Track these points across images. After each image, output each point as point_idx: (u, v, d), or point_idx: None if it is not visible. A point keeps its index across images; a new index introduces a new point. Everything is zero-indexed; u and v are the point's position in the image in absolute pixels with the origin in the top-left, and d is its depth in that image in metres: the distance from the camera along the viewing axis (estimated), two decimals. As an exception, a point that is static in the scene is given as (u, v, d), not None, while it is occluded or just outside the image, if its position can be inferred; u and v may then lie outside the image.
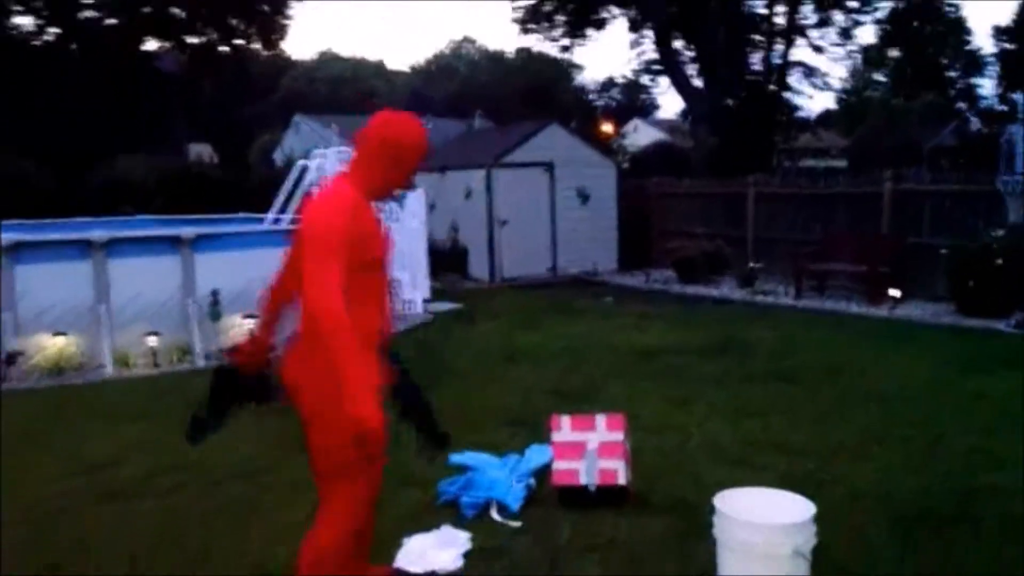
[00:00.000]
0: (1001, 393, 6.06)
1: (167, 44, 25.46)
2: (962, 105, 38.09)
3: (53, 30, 23.65)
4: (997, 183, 9.21)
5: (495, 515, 3.88)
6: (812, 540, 2.94)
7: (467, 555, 3.48)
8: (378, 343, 2.72)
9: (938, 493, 4.09)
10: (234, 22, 25.43)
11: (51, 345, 7.28)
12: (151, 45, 25.28)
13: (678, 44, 21.49)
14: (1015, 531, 3.64)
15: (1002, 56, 33.34)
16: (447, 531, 3.54)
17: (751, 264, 12.26)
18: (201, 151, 24.83)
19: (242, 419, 5.67)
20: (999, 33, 33.26)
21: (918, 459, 4.63)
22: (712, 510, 3.04)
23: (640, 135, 30.51)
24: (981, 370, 6.79)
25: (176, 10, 24.40)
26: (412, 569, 3.38)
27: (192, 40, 25.54)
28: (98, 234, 7.90)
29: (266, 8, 25.60)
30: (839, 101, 37.33)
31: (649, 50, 24.31)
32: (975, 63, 37.09)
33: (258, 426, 5.49)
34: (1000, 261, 9.08)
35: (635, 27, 24.28)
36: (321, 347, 2.43)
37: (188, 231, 8.26)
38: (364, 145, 2.70)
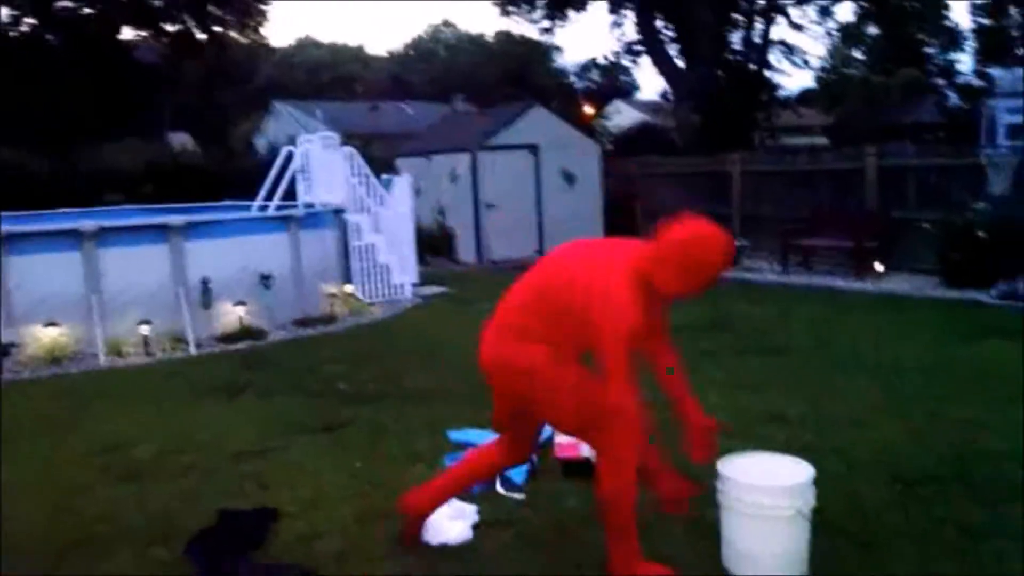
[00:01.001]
0: (990, 362, 6.19)
1: (145, 33, 25.18)
2: (941, 81, 38.30)
3: (30, 21, 23.34)
4: (980, 156, 9.33)
5: (500, 489, 3.93)
6: (812, 501, 3.03)
7: (475, 527, 3.53)
8: None
9: (933, 458, 4.19)
10: (211, 9, 25.17)
11: (44, 335, 7.25)
12: (128, 34, 25.02)
13: (658, 24, 21.48)
14: (1010, 491, 3.73)
15: (979, 31, 33.51)
16: (455, 504, 3.58)
17: (737, 241, 12.35)
18: (183, 140, 24.59)
19: (247, 403, 5.75)
20: (976, 8, 33.42)
21: (915, 427, 4.72)
22: (716, 476, 3.12)
23: (623, 116, 30.48)
24: (968, 340, 6.93)
25: (153, -2, 24.17)
26: (424, 541, 3.44)
27: (170, 28, 25.27)
28: (88, 224, 7.86)
29: (243, -6, 25.38)
30: (819, 79, 37.38)
31: (629, 31, 24.31)
32: (953, 39, 37.26)
33: (263, 409, 5.57)
34: (983, 234, 9.23)
35: (615, 7, 24.24)
36: (529, 343, 2.99)
37: (177, 219, 8.23)
38: (668, 249, 2.80)
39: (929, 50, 38.56)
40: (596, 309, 2.81)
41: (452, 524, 3.48)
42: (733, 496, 3.06)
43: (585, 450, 4.05)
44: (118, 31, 24.22)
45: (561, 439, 4.11)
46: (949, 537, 3.33)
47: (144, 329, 7.55)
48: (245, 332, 8.09)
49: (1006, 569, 3.07)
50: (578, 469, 4.04)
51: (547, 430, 4.32)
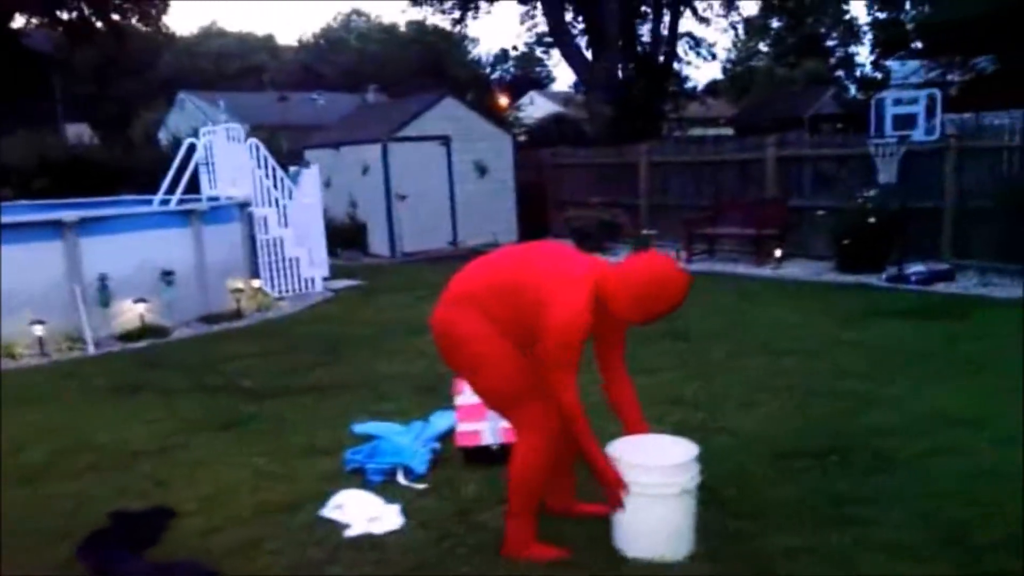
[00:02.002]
0: (876, 341, 6.53)
1: (37, 20, 24.07)
2: (840, 73, 39.83)
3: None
4: (869, 146, 9.76)
5: (401, 479, 3.97)
6: (697, 478, 3.17)
7: (373, 518, 3.56)
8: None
9: (815, 433, 4.41)
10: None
11: (-72, 338, 6.93)
12: (20, 22, 23.86)
13: (568, 16, 21.68)
14: (884, 463, 3.97)
15: (876, 24, 34.92)
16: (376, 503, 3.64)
17: (644, 231, 12.63)
18: (80, 131, 23.63)
19: (146, 403, 5.62)
20: (873, 2, 34.79)
21: (798, 405, 4.96)
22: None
23: (536, 107, 30.68)
24: (857, 321, 7.28)
25: (46, -17, 23.08)
26: (343, 522, 3.51)
27: (64, 15, 24.21)
28: (-27, 220, 7.52)
29: (143, -19, 24.51)
30: (724, 71, 38.47)
31: (541, 22, 24.45)
32: (852, 32, 38.74)
33: (164, 408, 5.46)
34: (872, 220, 9.68)
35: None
36: (467, 307, 3.09)
37: (71, 215, 7.95)
38: (630, 278, 2.94)
39: (830, 43, 40.02)
40: (551, 313, 2.94)
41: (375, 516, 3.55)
42: (641, 479, 3.14)
43: (486, 438, 4.12)
44: (10, 18, 23.09)
45: (463, 427, 4.18)
46: (821, 506, 3.52)
47: (38, 329, 7.29)
48: (146, 330, 7.89)
49: (871, 534, 3.27)
50: (478, 456, 4.11)
51: (451, 421, 4.40)
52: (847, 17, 36.15)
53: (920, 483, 3.71)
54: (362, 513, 3.58)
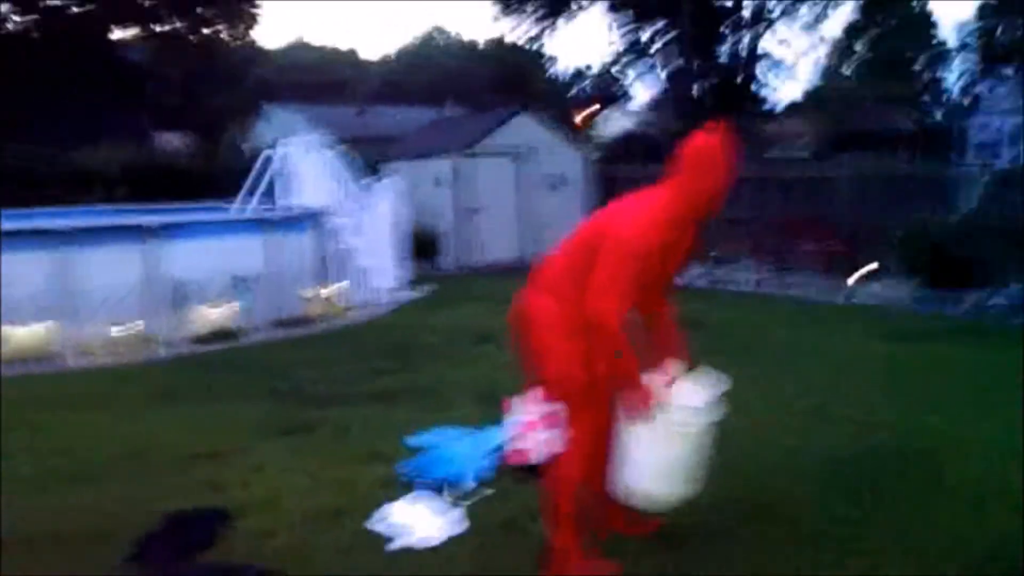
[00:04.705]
0: (951, 370, 6.26)
1: (134, 33, 25.18)
2: (926, 97, 38.61)
3: (17, 18, 23.31)
4: (951, 170, 9.46)
5: (454, 490, 3.97)
6: (715, 420, 3.10)
7: (424, 528, 3.56)
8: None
9: (862, 456, 4.25)
10: (201, 11, 25.18)
11: (14, 335, 7.25)
12: (118, 34, 25.01)
13: (647, 34, 21.66)
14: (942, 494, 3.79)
15: (964, 50, 33.84)
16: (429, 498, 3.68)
17: (711, 252, 12.43)
18: (170, 139, 24.56)
19: (213, 405, 5.77)
20: (963, 26, 33.75)
21: (853, 435, 4.78)
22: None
23: (613, 123, 30.61)
24: (927, 348, 7.01)
25: (142, -2, 24.16)
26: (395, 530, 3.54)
27: (159, 29, 25.27)
28: (62, 224, 7.87)
29: (234, -4, 25.42)
30: (805, 92, 37.70)
31: (622, 40, 24.45)
32: (939, 56, 37.58)
33: (230, 412, 5.59)
34: (953, 244, 9.33)
35: (609, 15, 24.42)
36: (548, 295, 3.04)
37: (152, 220, 8.25)
38: (678, 163, 2.94)
39: (915, 67, 38.89)
40: (613, 229, 2.92)
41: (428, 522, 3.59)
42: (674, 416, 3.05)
43: (535, 456, 4.09)
44: (107, 30, 24.22)
45: (514, 444, 4.16)
46: (876, 535, 3.39)
47: (115, 330, 7.56)
48: (219, 334, 8.11)
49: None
50: (529, 473, 4.08)
51: (504, 435, 4.39)
52: (935, 41, 35.11)
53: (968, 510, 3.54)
54: (413, 523, 3.60)
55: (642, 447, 3.07)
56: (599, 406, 3.08)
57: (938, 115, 34.03)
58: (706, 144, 2.93)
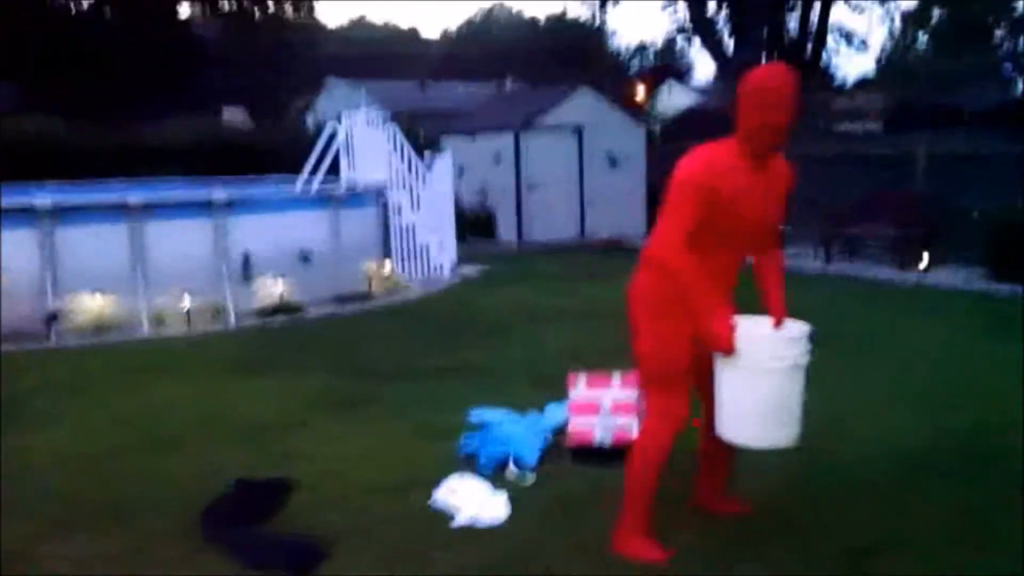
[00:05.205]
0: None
1: (202, 11, 25.63)
2: (1008, 66, 37.01)
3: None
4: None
5: (512, 468, 3.99)
6: (807, 356, 3.00)
7: (481, 506, 3.58)
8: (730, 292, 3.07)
9: (944, 449, 4.15)
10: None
11: (91, 305, 7.49)
12: (186, 12, 25.49)
13: (712, 5, 21.19)
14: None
15: (1050, 16, 32.28)
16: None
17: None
18: (236, 114, 25.01)
19: (278, 377, 5.88)
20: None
21: (930, 418, 4.67)
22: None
23: (675, 98, 30.12)
24: (1006, 334, 6.74)
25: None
26: (452, 506, 3.57)
27: (226, 5, 25.68)
28: (135, 197, 8.09)
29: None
30: (878, 63, 36.55)
31: (683, 12, 23.96)
32: (1022, 23, 35.95)
33: (294, 384, 5.70)
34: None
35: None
36: (649, 272, 3.03)
37: (220, 194, 8.41)
38: (740, 98, 2.88)
39: (997, 34, 37.29)
40: (673, 176, 2.93)
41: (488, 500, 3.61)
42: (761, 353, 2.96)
43: (597, 436, 4.08)
44: (176, 7, 24.70)
45: (575, 423, 4.15)
46: (950, 525, 3.29)
47: (186, 301, 7.75)
48: (284, 307, 8.25)
49: (1009, 557, 3.03)
50: (588, 455, 4.07)
51: (563, 414, 4.38)
52: (1016, 8, 33.55)
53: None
54: (471, 500, 3.61)
55: (729, 388, 3.02)
56: (681, 396, 3.08)
57: (1020, 86, 32.64)
58: (760, 78, 2.87)
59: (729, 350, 2.89)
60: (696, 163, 2.91)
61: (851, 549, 3.17)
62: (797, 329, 3.07)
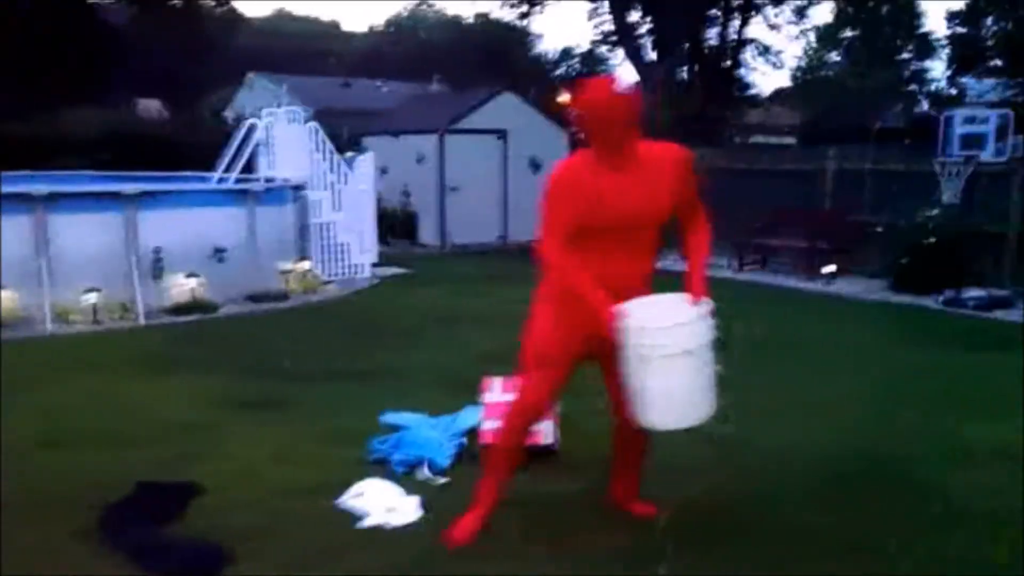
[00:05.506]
0: (921, 365, 6.34)
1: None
2: (914, 87, 38.72)
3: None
4: (934, 164, 9.50)
5: (425, 471, 3.99)
6: (705, 336, 3.06)
7: (391, 509, 3.58)
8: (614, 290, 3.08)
9: (847, 456, 4.31)
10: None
11: (-10, 299, 7.18)
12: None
13: (635, 16, 21.53)
14: (915, 492, 3.86)
15: (954, 39, 33.95)
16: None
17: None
18: (150, 106, 24.25)
19: (188, 377, 5.74)
20: (952, 17, 33.84)
21: (832, 425, 4.85)
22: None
23: (597, 106, 30.49)
24: (904, 343, 7.09)
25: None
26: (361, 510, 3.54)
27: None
28: (39, 188, 7.78)
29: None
30: (793, 79, 37.73)
31: (607, 20, 24.29)
32: (927, 45, 37.70)
33: (204, 384, 5.57)
34: (932, 240, 9.40)
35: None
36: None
37: (131, 187, 8.16)
38: (580, 113, 3.12)
39: (904, 55, 39.00)
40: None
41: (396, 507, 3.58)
42: (630, 342, 3.01)
43: (543, 438, 4.12)
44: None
45: (488, 425, 4.17)
46: (845, 533, 3.44)
47: (92, 297, 7.49)
48: (195, 305, 8.06)
49: (895, 566, 3.18)
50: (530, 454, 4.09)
51: (476, 417, 4.40)
52: (921, 31, 35.19)
53: (952, 516, 3.60)
54: (381, 503, 3.60)
55: (627, 375, 3.08)
56: (542, 382, 3.25)
57: (924, 106, 34.18)
58: (589, 96, 3.06)
59: (610, 334, 3.00)
60: (560, 172, 3.17)
61: (758, 556, 3.27)
62: (685, 314, 3.08)
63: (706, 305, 3.11)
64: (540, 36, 44.07)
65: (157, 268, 8.03)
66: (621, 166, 3.09)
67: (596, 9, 25.06)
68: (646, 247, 3.25)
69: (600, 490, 3.68)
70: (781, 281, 10.70)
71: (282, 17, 49.06)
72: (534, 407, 3.32)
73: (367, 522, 3.47)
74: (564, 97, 25.98)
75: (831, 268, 10.41)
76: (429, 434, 4.30)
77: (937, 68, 37.56)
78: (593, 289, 3.06)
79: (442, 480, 3.93)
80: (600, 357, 3.25)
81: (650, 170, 3.13)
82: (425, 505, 3.63)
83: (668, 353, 2.97)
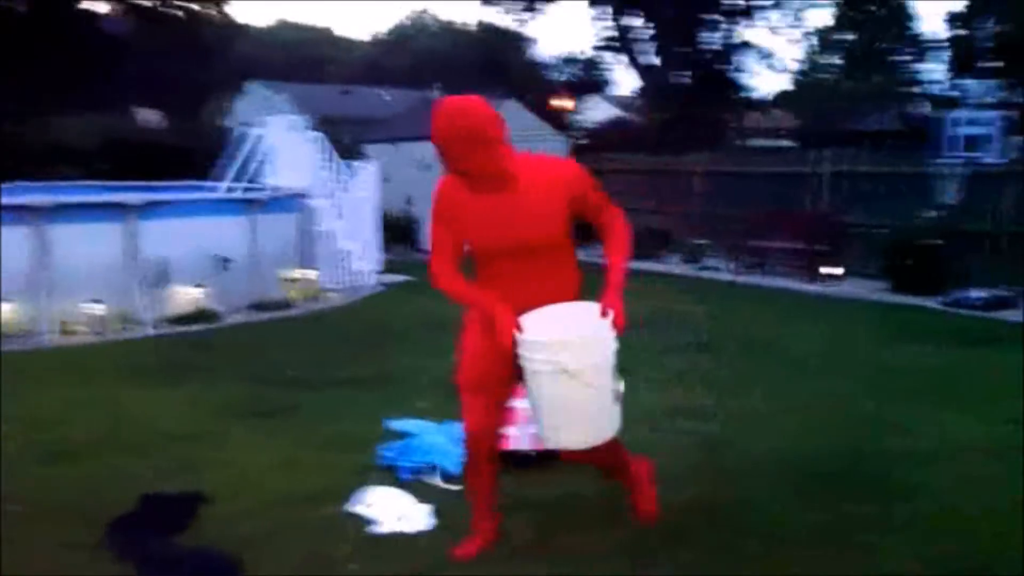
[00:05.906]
0: (923, 365, 6.35)
1: (114, 5, 24.79)
2: (913, 89, 38.71)
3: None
4: (932, 165, 9.53)
5: (436, 479, 3.99)
6: (591, 359, 2.90)
7: (401, 517, 3.58)
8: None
9: (835, 456, 4.30)
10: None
11: (-7, 311, 7.19)
12: (97, 6, 24.61)
13: (635, 21, 21.55)
14: (906, 491, 3.85)
15: (954, 42, 33.97)
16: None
17: (697, 240, 12.50)
18: (149, 116, 24.27)
19: (193, 386, 5.75)
20: (952, 19, 33.87)
21: (823, 426, 4.86)
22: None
23: (598, 111, 30.52)
24: (904, 344, 7.09)
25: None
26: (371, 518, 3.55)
27: (140, 1, 24.90)
28: (41, 199, 7.79)
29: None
30: (792, 82, 37.74)
31: (608, 26, 24.31)
32: (926, 48, 37.74)
33: (209, 393, 5.58)
34: (932, 241, 9.42)
35: (594, 2, 24.25)
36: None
37: (133, 197, 8.18)
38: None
39: (903, 58, 39.02)
40: None
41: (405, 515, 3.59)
42: (524, 353, 2.93)
43: (520, 442, 4.12)
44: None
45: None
46: (833, 532, 3.44)
47: (95, 308, 7.50)
48: (199, 314, 8.07)
49: (884, 564, 3.19)
50: (508, 462, 4.09)
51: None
52: (916, 33, 35.19)
53: (943, 515, 3.61)
54: (391, 511, 3.61)
55: (527, 390, 3.04)
56: (472, 407, 3.17)
57: (922, 108, 34.17)
58: (435, 127, 2.93)
59: (506, 347, 2.92)
60: (437, 189, 3.12)
61: (740, 556, 3.27)
62: (576, 329, 2.94)
63: (608, 321, 2.92)
64: (539, 42, 44.11)
65: (160, 278, 8.04)
66: (500, 187, 2.96)
67: (598, 15, 25.12)
68: (557, 264, 3.11)
69: (600, 490, 3.69)
70: (780, 284, 10.70)
71: (283, 27, 49.17)
72: (476, 435, 3.17)
73: (377, 529, 3.48)
74: (560, 102, 26.06)
75: (828, 269, 10.43)
76: (436, 440, 4.30)
77: (937, 70, 37.55)
78: (493, 302, 3.00)
79: (452, 487, 3.93)
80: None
81: (536, 190, 2.98)
82: (435, 512, 3.63)
83: (552, 370, 2.85)
